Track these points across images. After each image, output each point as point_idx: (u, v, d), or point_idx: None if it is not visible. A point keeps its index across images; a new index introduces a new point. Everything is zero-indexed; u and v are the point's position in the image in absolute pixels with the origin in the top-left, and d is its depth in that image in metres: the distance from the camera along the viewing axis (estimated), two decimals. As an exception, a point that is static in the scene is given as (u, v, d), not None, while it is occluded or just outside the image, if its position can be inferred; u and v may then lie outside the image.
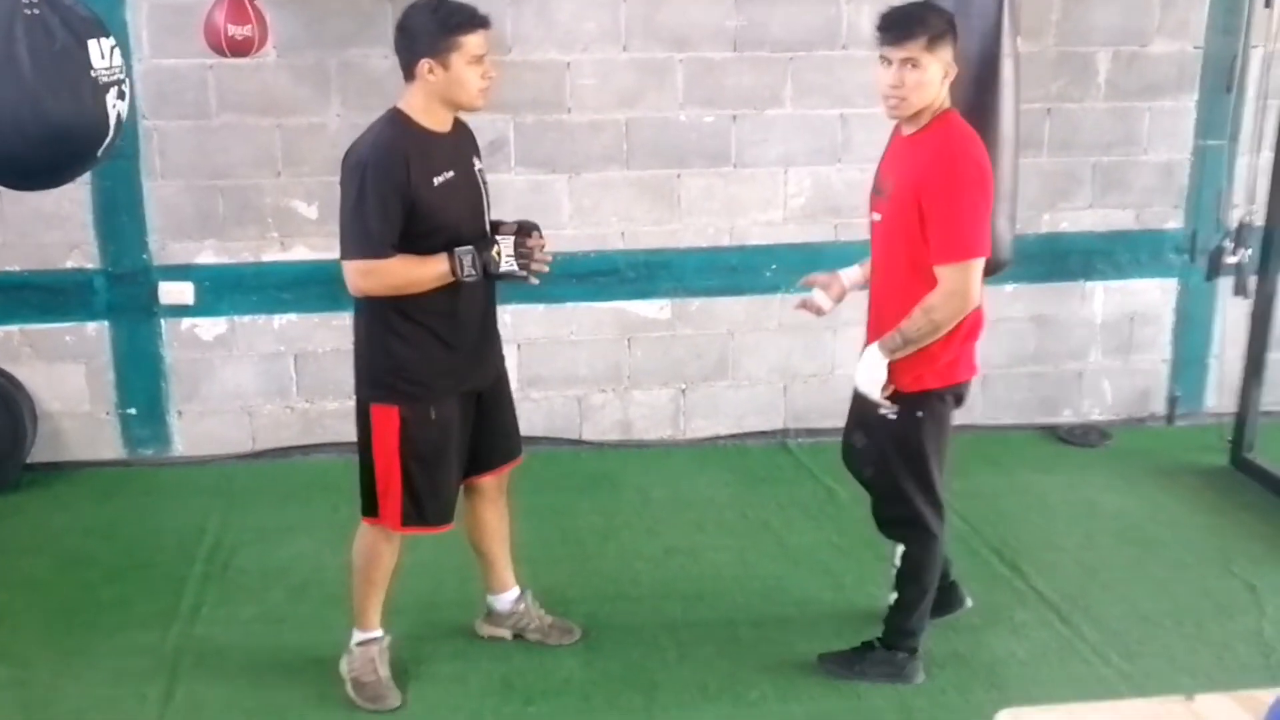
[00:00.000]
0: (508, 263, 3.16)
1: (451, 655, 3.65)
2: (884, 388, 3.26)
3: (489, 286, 3.32)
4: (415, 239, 3.10)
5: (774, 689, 3.50)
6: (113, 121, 3.33)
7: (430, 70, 3.07)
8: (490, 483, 3.54)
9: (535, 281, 3.24)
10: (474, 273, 3.12)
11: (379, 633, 3.47)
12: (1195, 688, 3.47)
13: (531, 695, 3.47)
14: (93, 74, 3.26)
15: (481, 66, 3.10)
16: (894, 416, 3.33)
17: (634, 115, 4.98)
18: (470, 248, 3.12)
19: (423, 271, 3.11)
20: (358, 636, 3.45)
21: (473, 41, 3.07)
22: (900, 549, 3.48)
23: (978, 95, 3.41)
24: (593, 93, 4.93)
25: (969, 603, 3.80)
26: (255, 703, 3.43)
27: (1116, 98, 5.24)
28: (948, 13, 3.19)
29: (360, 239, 3.07)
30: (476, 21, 3.08)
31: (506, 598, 3.71)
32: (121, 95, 3.39)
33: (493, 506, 3.59)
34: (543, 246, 3.23)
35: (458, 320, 3.23)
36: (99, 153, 3.38)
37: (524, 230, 3.22)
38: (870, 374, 3.26)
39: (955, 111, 3.21)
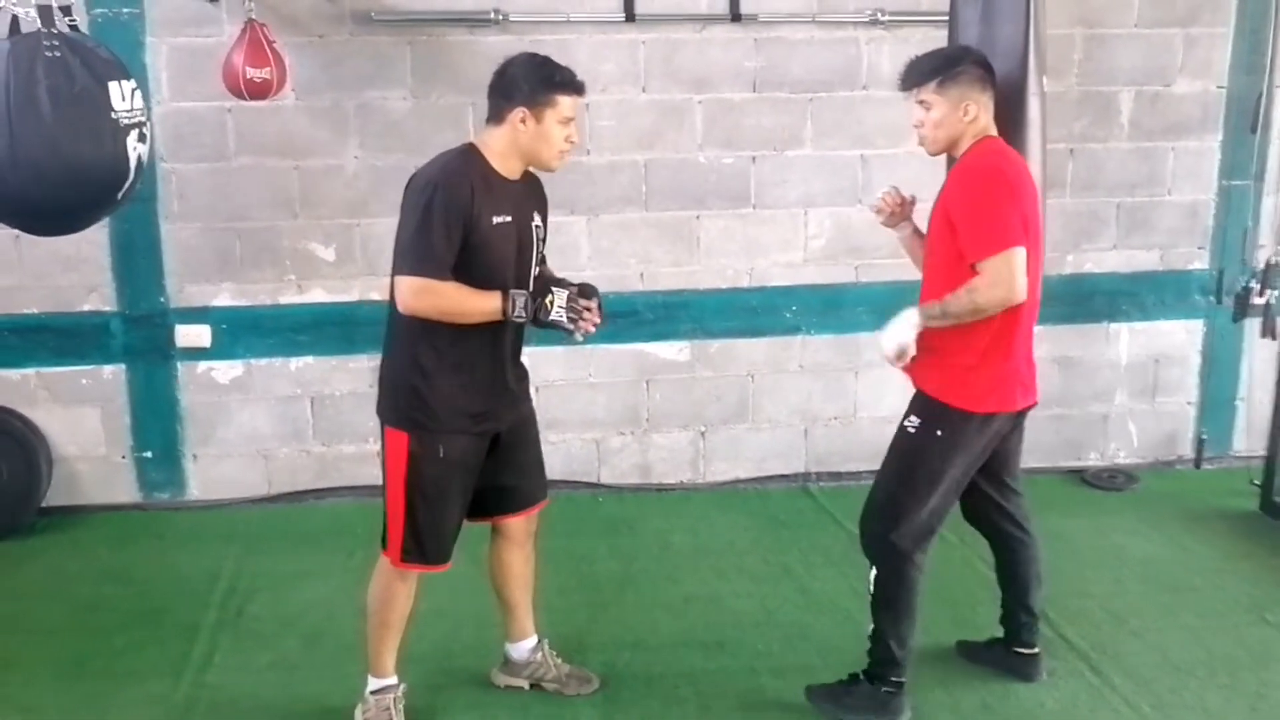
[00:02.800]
0: (558, 313, 3.15)
1: (468, 705, 3.58)
2: (901, 357, 3.25)
3: (520, 331, 3.30)
4: (454, 271, 3.08)
5: (797, 741, 3.43)
6: (133, 164, 3.32)
7: (523, 120, 3.11)
8: (518, 525, 3.50)
9: (580, 338, 3.23)
10: (523, 315, 3.12)
11: (394, 680, 3.41)
12: (1232, 742, 3.41)
13: (549, 747, 3.41)
14: (113, 116, 3.25)
15: (568, 129, 3.15)
16: (914, 429, 3.33)
17: (653, 156, 4.96)
18: (525, 291, 3.13)
19: (475, 303, 3.09)
20: (372, 684, 3.39)
21: (568, 103, 3.13)
22: (873, 572, 3.42)
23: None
24: (611, 134, 4.91)
25: (1043, 677, 3.71)
26: (268, 754, 3.38)
27: (1140, 138, 5.20)
28: (966, 53, 3.34)
29: (421, 256, 3.04)
30: (577, 85, 3.16)
31: (524, 646, 3.65)
32: (143, 138, 3.38)
33: (519, 550, 3.54)
34: (595, 309, 3.22)
35: (486, 360, 3.21)
36: (119, 196, 3.36)
37: (584, 292, 3.22)
38: (899, 332, 3.25)
39: (996, 139, 3.30)
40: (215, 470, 5.01)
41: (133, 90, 3.36)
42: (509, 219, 3.15)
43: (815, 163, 5.03)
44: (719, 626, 4.05)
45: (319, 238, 4.86)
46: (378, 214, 4.81)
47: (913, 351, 3.24)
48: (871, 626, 3.45)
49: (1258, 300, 4.91)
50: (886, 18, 4.88)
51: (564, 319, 3.16)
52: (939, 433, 3.29)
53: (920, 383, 3.36)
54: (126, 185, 3.35)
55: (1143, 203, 5.27)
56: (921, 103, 3.28)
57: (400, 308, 3.09)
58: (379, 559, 3.34)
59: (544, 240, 3.33)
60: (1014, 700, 3.61)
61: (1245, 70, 5.14)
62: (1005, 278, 3.12)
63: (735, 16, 4.86)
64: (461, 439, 3.22)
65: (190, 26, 4.62)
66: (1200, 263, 5.35)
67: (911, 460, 3.35)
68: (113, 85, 3.27)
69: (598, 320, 3.22)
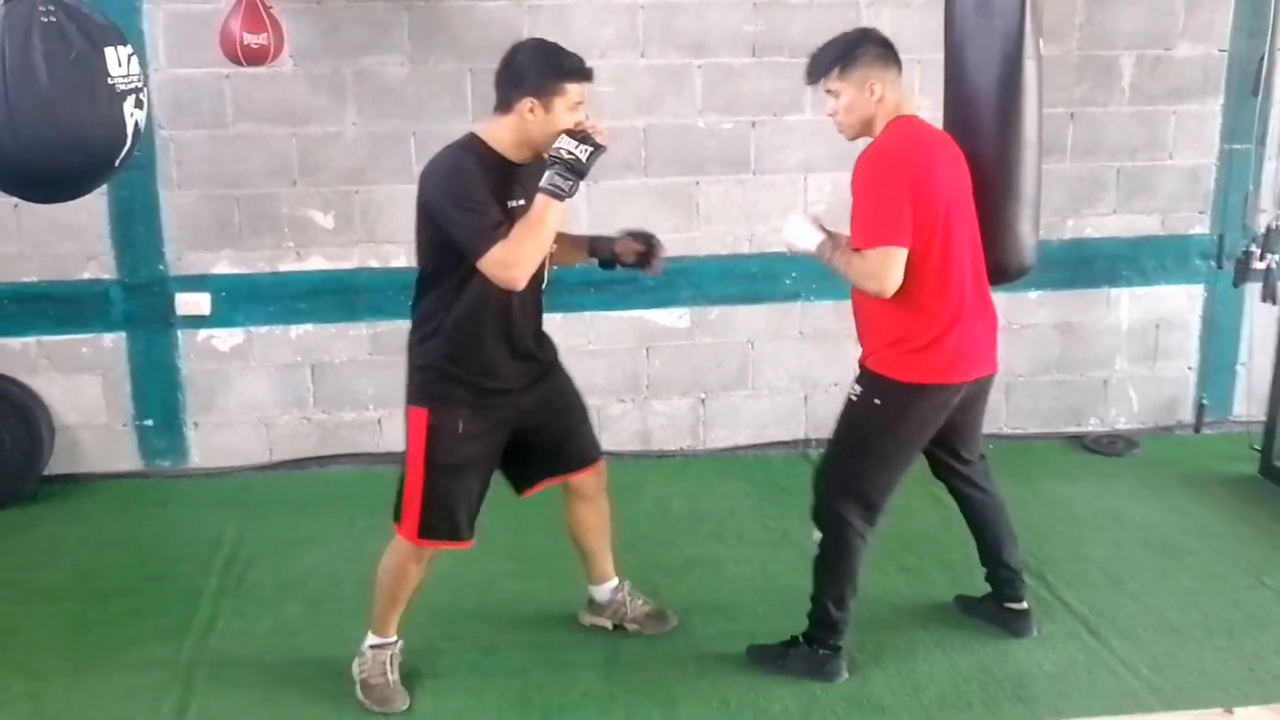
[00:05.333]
0: (582, 151, 3.04)
1: (469, 669, 3.60)
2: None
3: (538, 298, 3.31)
4: (464, 261, 3.05)
5: (796, 703, 3.45)
6: (130, 130, 3.31)
7: (531, 110, 3.08)
8: (589, 481, 3.60)
9: (602, 144, 3.08)
10: (572, 182, 3.02)
11: (394, 638, 3.45)
12: (1227, 701, 3.41)
13: (549, 709, 3.43)
14: (110, 82, 3.24)
15: (577, 115, 3.12)
16: (856, 398, 3.38)
17: (652, 122, 4.95)
18: (549, 171, 3.03)
19: (541, 226, 3.03)
20: (372, 640, 3.44)
21: (576, 90, 3.11)
22: (818, 535, 3.47)
23: (1000, 98, 3.41)
24: (611, 99, 4.87)
25: (1035, 633, 3.74)
26: (270, 717, 3.40)
27: (1141, 101, 5.18)
28: (864, 35, 3.37)
29: (481, 234, 3.01)
30: (585, 72, 3.13)
31: (606, 588, 3.77)
32: (139, 104, 3.37)
33: (592, 505, 3.65)
34: (586, 121, 3.12)
35: (503, 332, 3.22)
36: (117, 162, 3.35)
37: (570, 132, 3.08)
38: (800, 237, 3.38)
39: (912, 118, 3.30)
40: (216, 438, 5.02)
41: (129, 55, 3.35)
42: (522, 203, 3.12)
43: (815, 128, 4.99)
44: (719, 591, 4.08)
45: (318, 205, 4.85)
46: (376, 181, 4.80)
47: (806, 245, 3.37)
48: (812, 589, 3.51)
49: (1258, 265, 4.89)
50: (886, -19, 4.85)
51: (591, 148, 3.03)
52: (877, 401, 3.33)
53: (863, 356, 3.41)
54: (124, 151, 3.35)
55: (1143, 167, 5.25)
56: (829, 92, 3.31)
57: (512, 288, 3.04)
58: (394, 537, 3.35)
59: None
60: (1012, 662, 3.63)
61: (1247, 33, 5.10)
62: (879, 272, 3.16)
63: (734, -20, 4.84)
64: (482, 412, 3.25)
65: (187, -8, 4.61)
66: (1201, 227, 5.34)
67: (853, 429, 3.41)
68: (109, 51, 3.26)
69: (597, 125, 3.10)
